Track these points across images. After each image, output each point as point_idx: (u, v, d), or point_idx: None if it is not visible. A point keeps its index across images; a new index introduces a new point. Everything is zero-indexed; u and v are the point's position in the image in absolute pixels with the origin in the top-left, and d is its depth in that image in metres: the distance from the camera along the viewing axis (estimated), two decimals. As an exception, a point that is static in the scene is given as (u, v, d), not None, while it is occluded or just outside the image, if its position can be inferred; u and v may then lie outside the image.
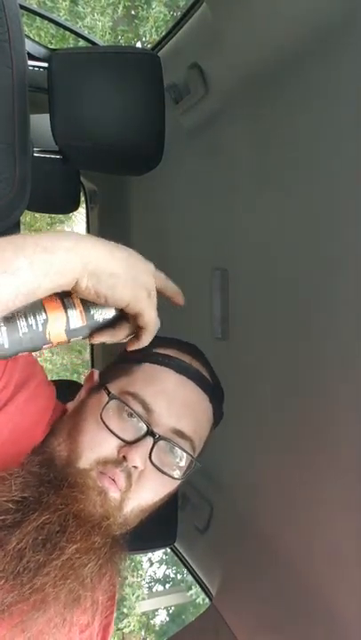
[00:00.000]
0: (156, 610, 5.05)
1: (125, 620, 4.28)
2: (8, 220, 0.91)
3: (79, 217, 4.47)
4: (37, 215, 4.55)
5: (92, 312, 0.53)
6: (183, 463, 0.62)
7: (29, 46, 1.01)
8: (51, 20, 1.49)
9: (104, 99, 0.93)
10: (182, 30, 0.97)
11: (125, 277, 0.50)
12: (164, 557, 5.12)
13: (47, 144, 1.00)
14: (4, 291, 0.44)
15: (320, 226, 0.68)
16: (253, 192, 0.85)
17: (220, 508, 1.00)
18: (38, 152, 1.08)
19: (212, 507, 1.01)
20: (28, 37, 1.08)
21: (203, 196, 1.03)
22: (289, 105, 0.73)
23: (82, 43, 1.47)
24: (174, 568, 5.18)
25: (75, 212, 2.00)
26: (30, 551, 0.51)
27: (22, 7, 1.04)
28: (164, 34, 1.06)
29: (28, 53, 0.94)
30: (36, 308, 0.50)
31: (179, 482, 0.64)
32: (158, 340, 0.67)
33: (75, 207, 1.72)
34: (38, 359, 0.70)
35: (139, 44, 4.01)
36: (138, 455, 0.57)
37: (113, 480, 0.57)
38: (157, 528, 1.00)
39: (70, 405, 0.68)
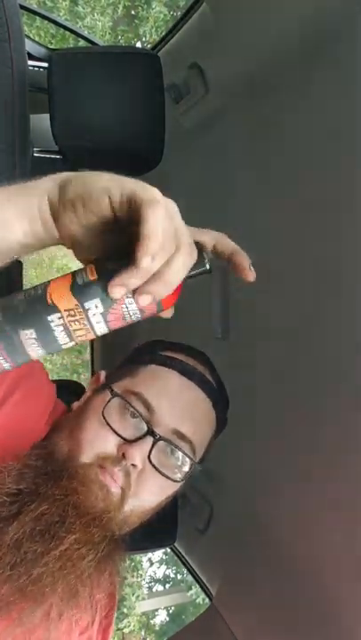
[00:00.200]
0: (156, 610, 5.05)
1: (125, 620, 4.28)
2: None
3: (79, 217, 4.46)
4: (37, 215, 4.55)
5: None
6: (183, 466, 0.62)
7: (29, 46, 1.01)
8: (51, 20, 1.49)
9: (104, 99, 0.93)
10: (182, 30, 0.97)
11: (102, 176, 0.40)
12: (164, 557, 5.13)
13: (47, 144, 1.00)
14: None
15: (320, 225, 0.68)
16: (253, 191, 0.85)
17: (220, 508, 1.00)
18: (38, 152, 1.08)
19: (212, 507, 1.01)
20: (28, 37, 1.08)
21: (203, 195, 1.03)
22: (289, 105, 0.73)
23: (82, 43, 1.47)
24: (174, 568, 5.18)
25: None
26: (28, 542, 0.51)
27: (22, 7, 1.04)
28: (164, 34, 1.06)
29: (28, 53, 0.94)
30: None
31: (179, 485, 0.64)
32: (166, 345, 0.67)
33: (75, 207, 1.72)
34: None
35: (139, 44, 4.01)
36: (137, 453, 0.57)
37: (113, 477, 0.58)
38: (157, 528, 1.00)
39: (75, 405, 0.68)
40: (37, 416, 0.64)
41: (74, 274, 0.42)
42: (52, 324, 0.41)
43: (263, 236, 0.82)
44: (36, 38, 3.34)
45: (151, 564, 5.21)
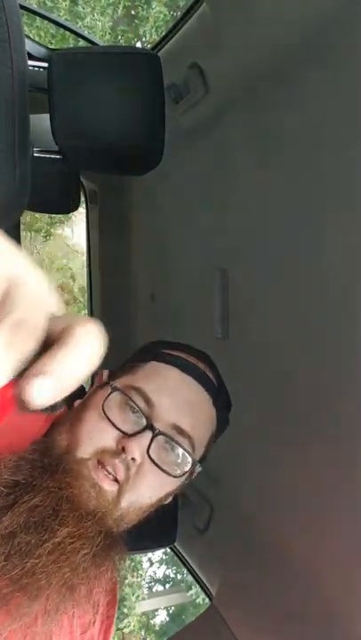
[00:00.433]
0: (156, 610, 5.05)
1: (125, 620, 4.28)
2: (8, 220, 0.91)
3: (79, 217, 4.47)
4: (37, 215, 4.55)
5: None
6: (183, 463, 0.62)
7: (29, 46, 1.01)
8: (51, 20, 1.49)
9: (104, 99, 0.93)
10: (182, 30, 0.97)
11: None
12: (164, 557, 5.13)
13: (47, 144, 1.00)
14: None
15: (320, 225, 0.68)
16: (253, 192, 0.85)
17: (220, 507, 1.00)
18: (38, 152, 1.08)
19: (212, 507, 1.01)
20: (28, 37, 1.08)
21: (203, 195, 1.03)
22: (289, 104, 0.73)
23: (82, 43, 1.47)
24: (174, 568, 5.18)
25: (75, 212, 2.01)
26: (21, 533, 0.51)
27: (22, 7, 1.04)
28: (164, 34, 1.06)
29: (28, 53, 0.94)
30: None
31: (179, 483, 0.63)
32: (169, 344, 0.67)
33: (75, 207, 1.72)
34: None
35: (139, 44, 4.01)
36: (136, 447, 0.57)
37: (109, 473, 0.57)
38: (157, 528, 1.00)
39: (77, 402, 0.68)
40: (37, 418, 0.64)
41: None
42: None
43: (263, 235, 0.82)
44: (36, 38, 3.34)
45: (151, 564, 5.22)
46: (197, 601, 4.51)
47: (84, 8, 3.59)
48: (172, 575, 5.30)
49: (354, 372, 0.63)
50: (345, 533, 0.65)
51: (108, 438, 0.59)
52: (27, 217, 4.30)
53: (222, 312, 0.94)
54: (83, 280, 4.76)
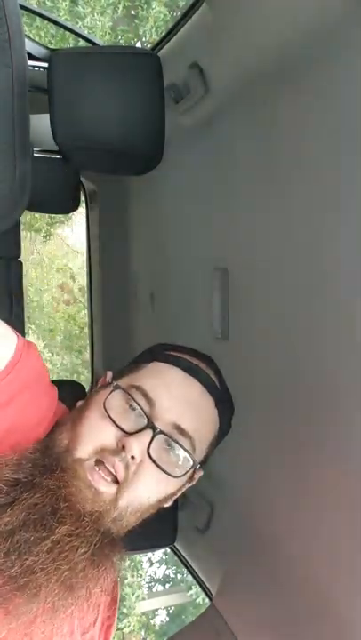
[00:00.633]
0: (156, 610, 5.05)
1: (125, 620, 4.28)
2: (8, 220, 0.91)
3: (79, 217, 4.47)
4: (37, 215, 4.56)
5: None
6: (182, 463, 0.62)
7: (29, 46, 1.01)
8: (51, 20, 1.49)
9: (104, 99, 0.93)
10: (182, 30, 0.97)
11: None
12: (164, 557, 5.13)
13: (47, 144, 1.00)
14: None
15: (320, 225, 0.68)
16: (253, 192, 0.85)
17: (220, 508, 1.00)
18: (38, 152, 1.09)
19: (212, 507, 1.01)
20: (28, 37, 1.08)
21: (203, 195, 1.03)
22: (289, 105, 0.73)
23: (82, 43, 1.47)
24: (174, 568, 5.18)
25: (75, 212, 2.01)
26: (20, 530, 0.51)
27: (22, 7, 1.04)
28: (164, 34, 1.06)
29: (28, 53, 0.95)
30: None
31: (179, 484, 0.63)
32: (174, 347, 0.67)
33: (75, 207, 1.72)
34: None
35: (139, 44, 4.01)
36: (136, 445, 0.57)
37: (109, 472, 0.57)
38: (157, 528, 1.00)
39: (79, 403, 0.69)
40: (39, 420, 0.65)
41: None
42: None
43: (264, 235, 0.82)
44: (36, 38, 3.34)
45: (151, 564, 5.22)
46: (197, 601, 4.51)
47: (84, 8, 3.59)
48: (172, 575, 5.30)
49: (354, 372, 0.63)
50: (345, 534, 0.65)
51: (109, 436, 0.59)
52: (27, 217, 4.30)
53: (222, 312, 0.94)
54: (83, 280, 4.77)
